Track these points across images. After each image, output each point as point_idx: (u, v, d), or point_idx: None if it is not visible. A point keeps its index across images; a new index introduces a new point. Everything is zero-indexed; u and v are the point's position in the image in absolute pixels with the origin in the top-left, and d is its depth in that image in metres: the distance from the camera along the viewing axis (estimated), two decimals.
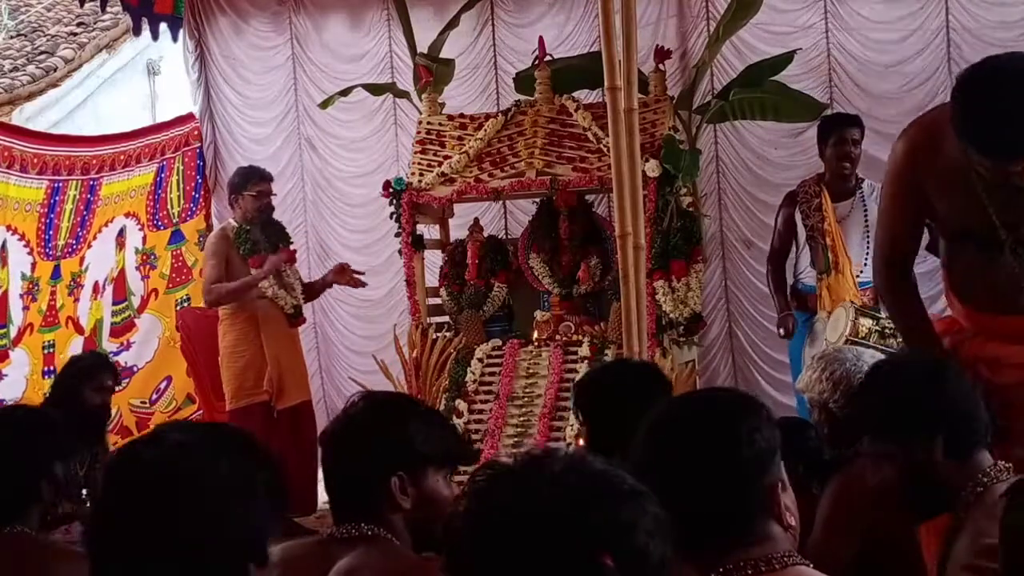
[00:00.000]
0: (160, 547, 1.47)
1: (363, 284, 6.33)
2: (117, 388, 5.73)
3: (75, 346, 6.39)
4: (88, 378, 4.84)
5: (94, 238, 6.71)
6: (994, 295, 2.95)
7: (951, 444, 2.29)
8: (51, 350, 6.30)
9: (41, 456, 2.67)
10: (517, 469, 1.34)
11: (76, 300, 6.58)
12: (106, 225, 6.81)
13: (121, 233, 6.91)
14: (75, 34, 9.24)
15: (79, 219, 6.58)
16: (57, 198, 6.40)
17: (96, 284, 6.73)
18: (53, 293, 6.42)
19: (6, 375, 5.94)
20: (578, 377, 5.25)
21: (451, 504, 2.13)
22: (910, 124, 3.10)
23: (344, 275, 6.25)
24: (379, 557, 2.04)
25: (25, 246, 6.23)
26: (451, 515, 1.35)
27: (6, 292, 6.10)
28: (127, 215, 6.96)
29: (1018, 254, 2.88)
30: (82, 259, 6.63)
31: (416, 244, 5.83)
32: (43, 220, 6.33)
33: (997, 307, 2.96)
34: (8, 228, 6.12)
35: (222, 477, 1.50)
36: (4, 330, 6.08)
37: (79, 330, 6.58)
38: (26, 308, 6.23)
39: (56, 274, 6.44)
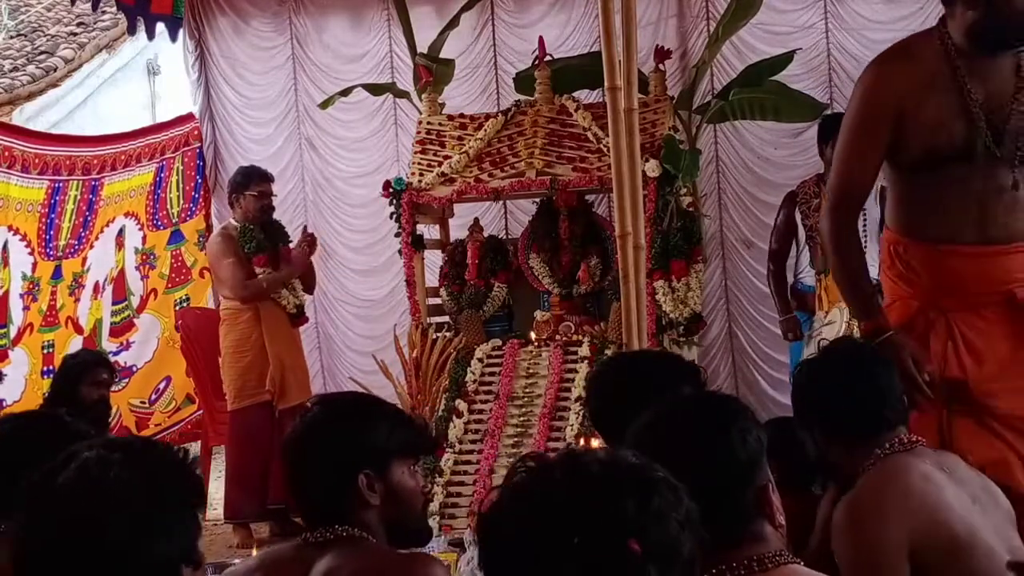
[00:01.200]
0: (85, 565, 1.50)
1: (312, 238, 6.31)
2: (115, 387, 5.72)
3: (74, 346, 6.37)
4: (84, 374, 4.85)
5: (96, 238, 6.69)
6: (963, 222, 2.91)
7: (832, 435, 2.54)
8: (51, 350, 6.29)
9: (33, 455, 2.63)
10: (556, 461, 1.35)
11: (76, 300, 6.57)
12: (107, 225, 6.80)
13: (121, 233, 6.90)
14: (75, 34, 9.24)
15: (81, 219, 6.56)
16: (58, 198, 6.39)
17: (97, 284, 6.72)
18: (53, 293, 6.41)
19: (5, 375, 5.93)
20: (578, 378, 5.28)
21: (417, 495, 2.22)
22: (876, 56, 3.08)
23: (305, 240, 6.22)
24: (357, 555, 2.06)
25: (27, 246, 6.22)
26: (486, 505, 1.36)
27: (7, 292, 6.09)
28: (127, 215, 6.96)
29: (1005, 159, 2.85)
30: (84, 259, 6.61)
31: (416, 244, 5.83)
32: (44, 220, 6.31)
33: (963, 236, 2.91)
34: (10, 228, 6.10)
35: (138, 489, 1.53)
36: (4, 330, 6.07)
37: (78, 330, 6.56)
38: (26, 308, 6.21)
39: (57, 274, 6.43)
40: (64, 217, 6.44)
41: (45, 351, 6.27)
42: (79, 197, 6.53)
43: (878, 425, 2.48)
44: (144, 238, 7.06)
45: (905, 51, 2.99)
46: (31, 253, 6.24)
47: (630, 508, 1.27)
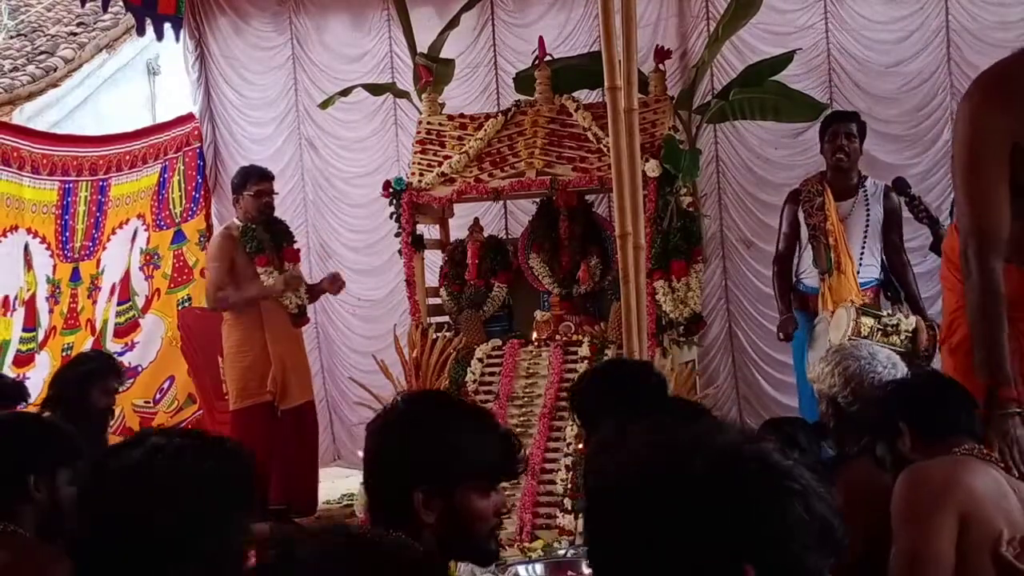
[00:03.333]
0: (136, 547, 1.53)
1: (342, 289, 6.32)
2: (120, 389, 5.70)
3: (88, 348, 6.36)
4: (97, 380, 4.81)
5: (108, 240, 6.68)
6: None
7: (916, 436, 2.64)
8: (69, 352, 6.23)
9: (28, 454, 2.64)
10: (658, 449, 1.26)
11: (95, 303, 6.55)
12: (121, 227, 6.79)
13: (135, 235, 6.91)
14: (75, 34, 9.23)
15: (92, 221, 6.55)
16: (69, 199, 6.37)
17: (112, 286, 6.72)
18: (74, 295, 6.38)
19: (28, 378, 5.87)
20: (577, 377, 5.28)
21: (484, 518, 2.03)
22: (971, 84, 2.99)
23: (335, 285, 6.23)
24: None
25: (46, 249, 6.20)
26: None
27: (34, 295, 6.04)
28: (138, 216, 6.97)
29: None
30: (98, 261, 6.60)
31: (416, 244, 5.83)
32: (59, 222, 6.28)
33: None
34: (28, 231, 6.07)
35: (200, 480, 1.57)
36: (32, 333, 6.03)
37: (94, 332, 6.56)
38: (50, 311, 6.20)
39: (75, 276, 6.40)
40: (77, 219, 6.43)
41: (64, 353, 6.23)
42: (89, 198, 6.53)
43: (957, 426, 2.59)
44: (148, 238, 7.07)
45: (1008, 72, 2.86)
46: (51, 256, 6.23)
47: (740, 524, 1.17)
